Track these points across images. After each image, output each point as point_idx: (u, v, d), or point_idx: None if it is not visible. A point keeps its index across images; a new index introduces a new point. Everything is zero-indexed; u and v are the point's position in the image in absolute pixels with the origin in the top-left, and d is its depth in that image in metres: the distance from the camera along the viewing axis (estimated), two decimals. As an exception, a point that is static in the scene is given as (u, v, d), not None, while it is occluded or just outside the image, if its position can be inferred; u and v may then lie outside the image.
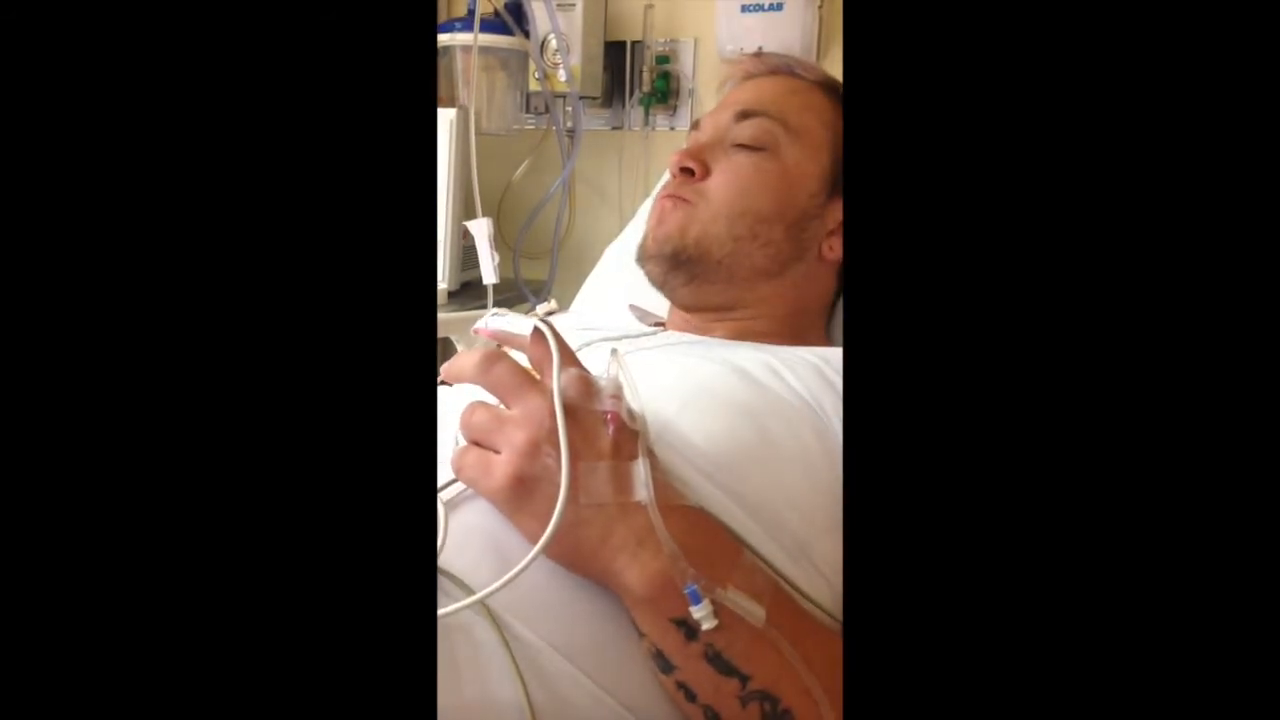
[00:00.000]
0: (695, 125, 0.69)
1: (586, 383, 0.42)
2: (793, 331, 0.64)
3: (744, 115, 0.65)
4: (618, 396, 0.42)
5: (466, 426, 0.43)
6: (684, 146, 0.67)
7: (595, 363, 0.45)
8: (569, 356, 0.42)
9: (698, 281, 0.63)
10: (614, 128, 1.21)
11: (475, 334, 0.44)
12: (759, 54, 0.74)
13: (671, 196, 0.64)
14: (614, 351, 0.43)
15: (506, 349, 0.44)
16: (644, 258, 0.66)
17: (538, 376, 0.42)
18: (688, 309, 0.65)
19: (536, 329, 0.42)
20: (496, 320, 0.44)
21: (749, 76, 0.71)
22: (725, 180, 0.63)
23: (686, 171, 0.64)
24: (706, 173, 0.63)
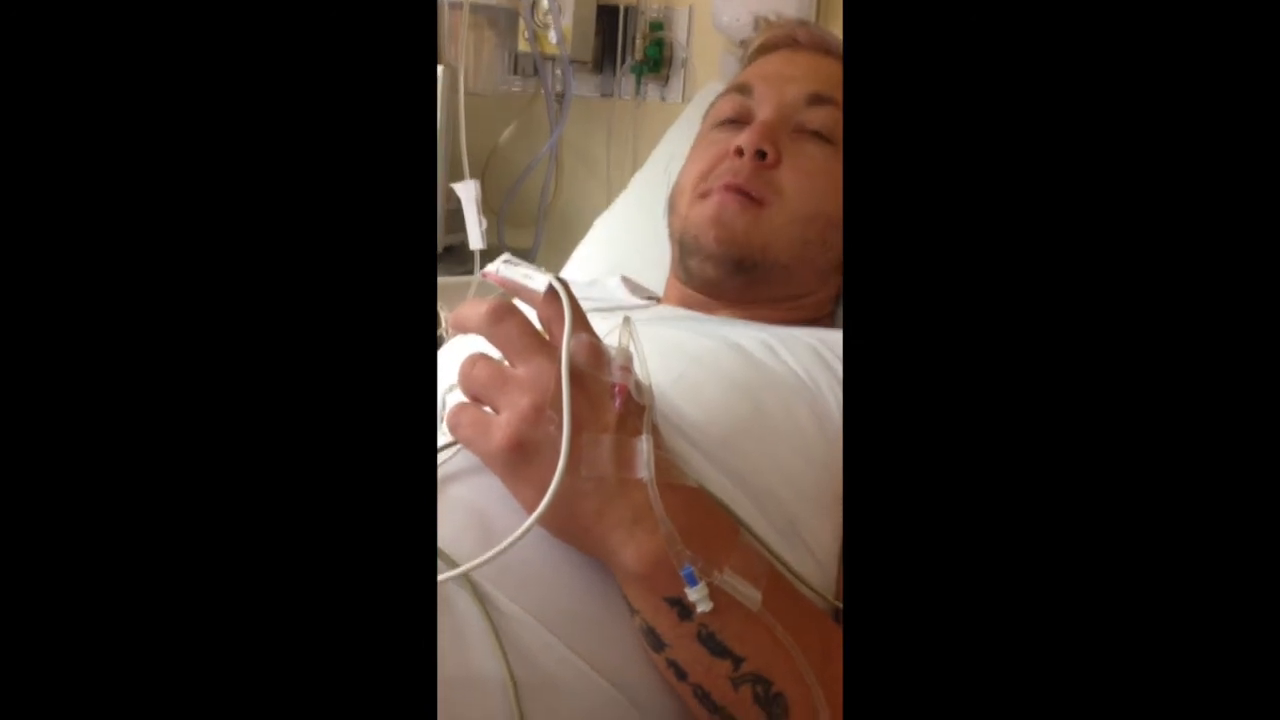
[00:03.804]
0: (742, 89, 0.63)
1: (597, 351, 0.40)
2: (804, 319, 0.63)
3: (817, 100, 0.60)
4: (627, 368, 0.40)
5: (466, 380, 0.41)
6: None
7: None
8: (581, 320, 0.41)
9: (756, 285, 0.59)
10: (604, 95, 1.18)
11: (484, 278, 0.42)
12: (803, 23, 0.69)
13: (739, 190, 0.58)
14: (626, 320, 0.42)
15: (515, 301, 0.42)
16: (699, 254, 0.59)
17: (546, 336, 0.41)
18: (737, 302, 0.61)
19: (551, 286, 0.40)
20: (508, 268, 0.41)
21: (795, 46, 0.66)
22: (800, 178, 0.58)
23: (760, 155, 0.58)
24: (778, 159, 0.59)
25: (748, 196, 0.58)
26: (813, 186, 0.58)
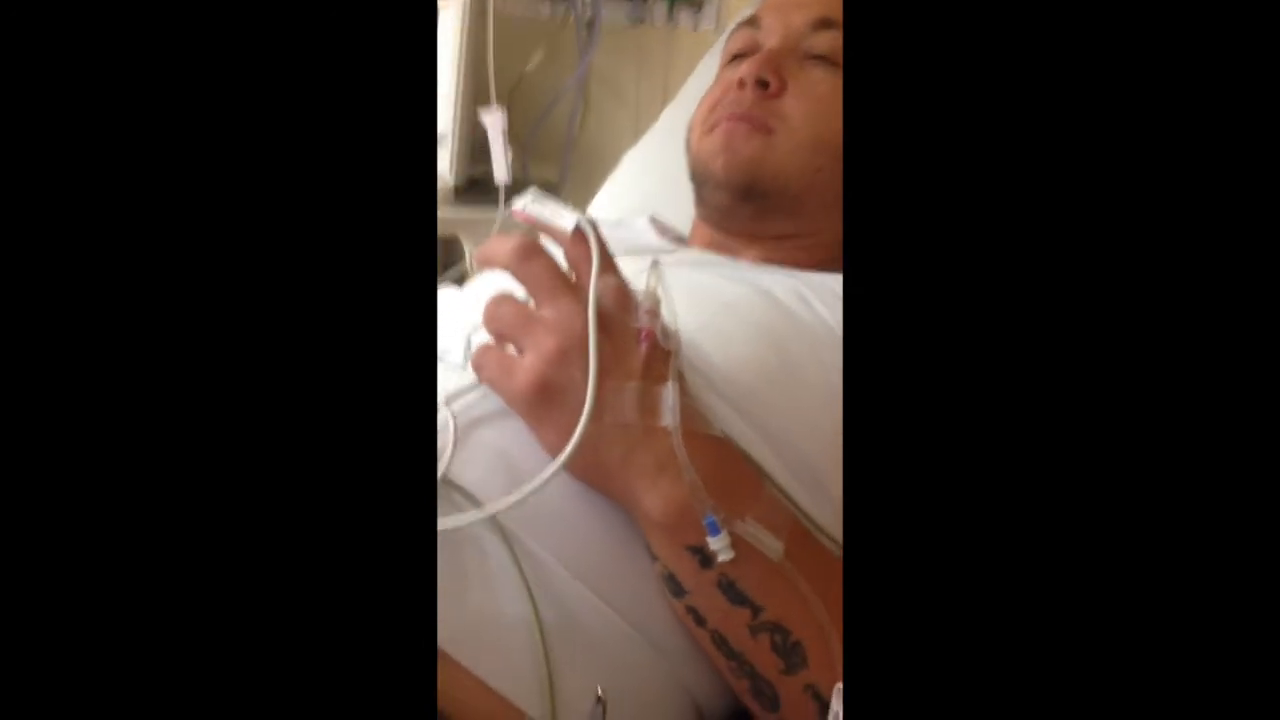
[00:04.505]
0: (751, 22, 0.62)
1: (624, 294, 0.39)
2: (830, 259, 0.61)
3: (824, 24, 0.58)
4: (654, 312, 0.40)
5: (492, 320, 0.41)
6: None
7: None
8: (609, 263, 0.40)
9: (767, 214, 0.57)
10: (634, 21, 1.14)
11: (511, 215, 0.41)
12: None
13: (744, 119, 0.57)
14: (655, 264, 0.41)
15: (542, 240, 0.41)
16: (709, 183, 0.58)
17: (573, 277, 0.40)
18: (748, 237, 0.60)
19: (579, 227, 0.39)
20: (536, 206, 0.40)
21: None
22: (807, 104, 0.56)
23: (761, 85, 0.56)
24: (783, 88, 0.56)
25: (753, 124, 0.56)
26: (819, 112, 0.56)
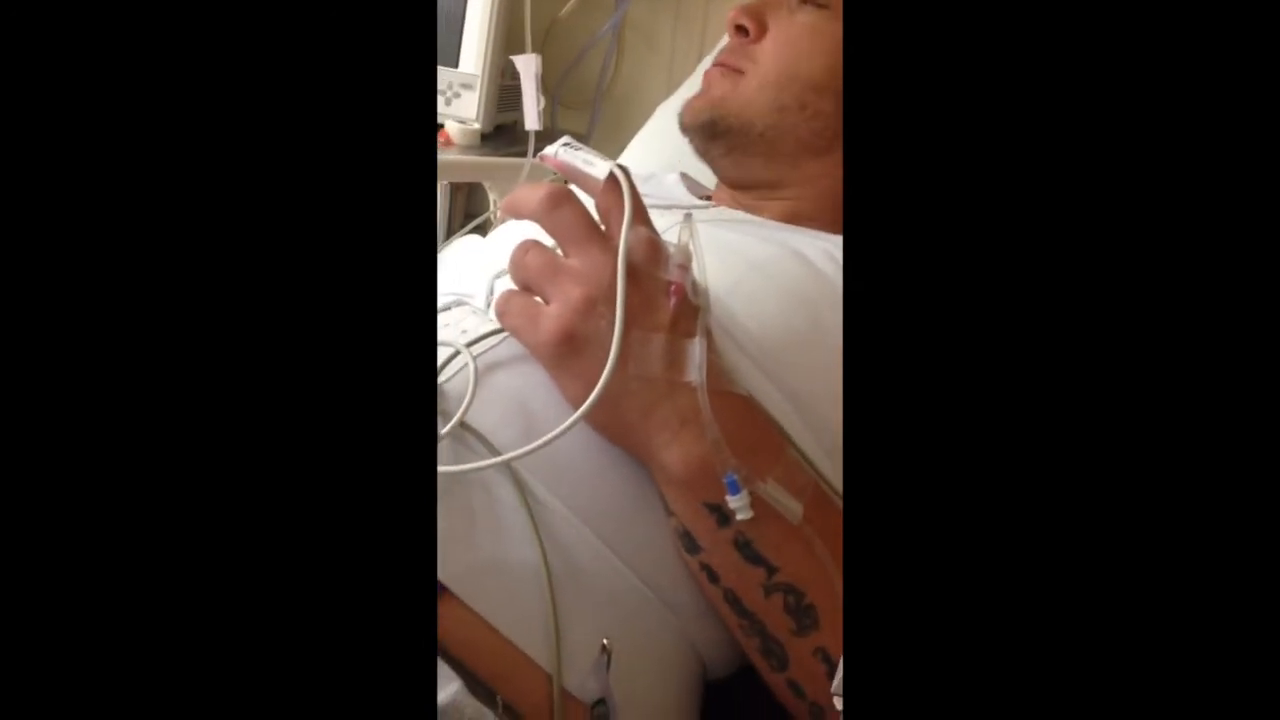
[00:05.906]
0: None
1: (655, 246, 0.39)
2: (825, 209, 0.60)
3: None
4: (685, 267, 0.39)
5: (518, 267, 0.40)
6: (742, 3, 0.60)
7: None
8: (641, 213, 0.39)
9: (737, 154, 0.57)
10: (674, -30, 1.10)
11: (540, 161, 0.40)
12: None
13: (721, 64, 0.58)
14: (688, 217, 0.40)
15: (572, 187, 0.41)
16: (682, 126, 0.60)
17: (603, 227, 0.39)
18: (730, 184, 0.60)
19: (612, 175, 0.38)
20: (568, 153, 0.40)
21: None
22: (779, 43, 0.56)
23: (741, 31, 0.57)
24: (762, 33, 0.56)
25: (727, 67, 0.58)
26: (792, 50, 0.56)
